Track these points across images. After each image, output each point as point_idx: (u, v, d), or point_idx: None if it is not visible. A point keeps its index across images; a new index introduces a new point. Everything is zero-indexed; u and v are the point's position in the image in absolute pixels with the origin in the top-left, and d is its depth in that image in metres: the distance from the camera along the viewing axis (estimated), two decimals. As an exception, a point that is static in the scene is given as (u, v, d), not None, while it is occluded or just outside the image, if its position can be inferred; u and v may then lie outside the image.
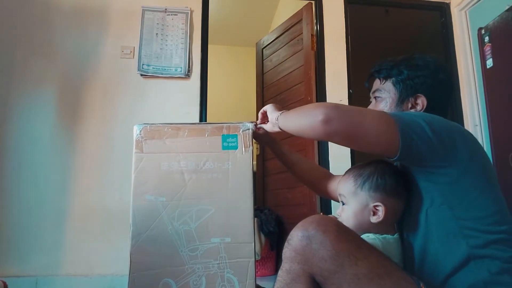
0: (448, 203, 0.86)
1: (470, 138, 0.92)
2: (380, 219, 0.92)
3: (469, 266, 0.82)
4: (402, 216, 0.97)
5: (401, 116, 0.88)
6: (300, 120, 0.96)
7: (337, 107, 0.87)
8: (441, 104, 1.05)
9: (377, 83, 1.10)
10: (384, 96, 1.07)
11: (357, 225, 0.92)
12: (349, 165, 2.44)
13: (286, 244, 0.86)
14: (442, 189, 0.87)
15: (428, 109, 1.02)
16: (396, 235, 0.95)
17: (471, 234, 0.84)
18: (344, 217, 0.97)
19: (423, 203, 0.89)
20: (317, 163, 2.56)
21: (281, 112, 1.08)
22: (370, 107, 1.11)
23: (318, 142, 2.66)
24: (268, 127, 1.14)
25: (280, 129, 1.06)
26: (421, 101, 1.02)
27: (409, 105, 1.03)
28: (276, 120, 1.07)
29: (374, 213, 0.93)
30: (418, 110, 1.02)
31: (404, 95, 1.04)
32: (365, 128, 0.86)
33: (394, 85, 1.06)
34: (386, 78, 1.07)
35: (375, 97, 1.10)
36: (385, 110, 1.05)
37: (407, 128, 0.84)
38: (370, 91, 1.13)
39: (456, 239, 0.84)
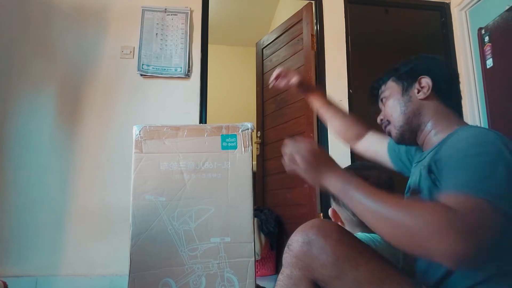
0: None
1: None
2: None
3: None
4: None
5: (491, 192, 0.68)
6: (408, 228, 0.66)
7: (475, 237, 0.63)
8: (447, 83, 1.01)
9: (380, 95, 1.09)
10: (388, 94, 1.04)
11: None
12: (349, 162, 2.44)
13: (286, 249, 0.85)
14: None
15: (435, 90, 0.98)
16: None
17: None
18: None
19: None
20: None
21: (336, 175, 0.81)
22: (381, 114, 1.08)
23: (318, 132, 2.66)
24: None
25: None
26: (426, 82, 0.98)
27: (416, 91, 0.99)
28: (325, 185, 0.82)
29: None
30: (425, 92, 0.98)
31: (408, 83, 1.01)
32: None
33: (394, 81, 1.04)
34: (385, 82, 1.06)
35: (382, 102, 1.07)
36: (395, 105, 1.02)
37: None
38: (375, 113, 1.10)
39: None
